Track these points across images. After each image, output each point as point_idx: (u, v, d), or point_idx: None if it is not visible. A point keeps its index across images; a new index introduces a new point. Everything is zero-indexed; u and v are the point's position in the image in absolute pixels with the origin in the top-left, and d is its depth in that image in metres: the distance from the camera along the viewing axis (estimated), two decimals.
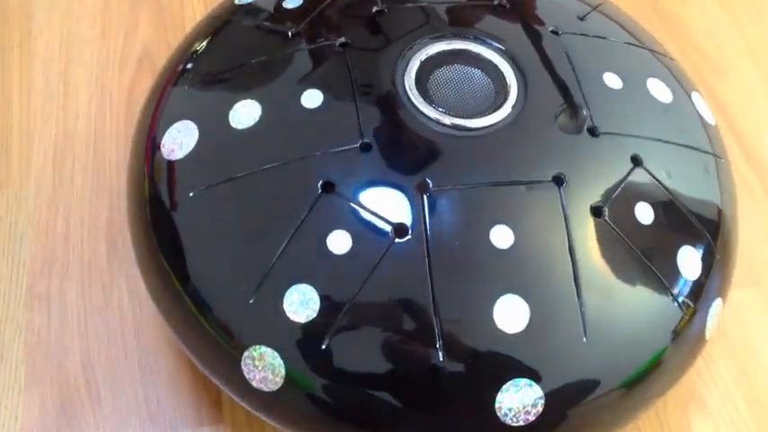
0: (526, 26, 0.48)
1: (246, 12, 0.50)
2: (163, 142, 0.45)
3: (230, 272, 0.42)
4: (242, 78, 0.46)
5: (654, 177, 0.44)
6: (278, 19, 0.49)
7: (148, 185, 0.45)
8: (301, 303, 0.40)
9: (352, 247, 0.40)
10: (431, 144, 0.43)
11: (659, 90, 0.47)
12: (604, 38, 0.49)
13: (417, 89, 0.44)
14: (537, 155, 0.43)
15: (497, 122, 0.44)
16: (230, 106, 0.45)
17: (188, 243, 0.43)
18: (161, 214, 0.44)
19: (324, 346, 0.40)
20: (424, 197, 0.41)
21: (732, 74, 0.72)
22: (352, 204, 0.41)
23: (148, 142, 0.47)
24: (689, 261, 0.44)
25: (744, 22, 0.76)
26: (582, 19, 0.50)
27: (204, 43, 0.49)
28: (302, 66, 0.46)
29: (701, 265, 0.44)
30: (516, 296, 0.40)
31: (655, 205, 0.44)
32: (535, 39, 0.47)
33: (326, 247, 0.40)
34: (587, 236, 0.42)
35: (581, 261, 0.41)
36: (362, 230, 0.41)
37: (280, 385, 0.41)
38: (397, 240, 0.40)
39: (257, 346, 0.41)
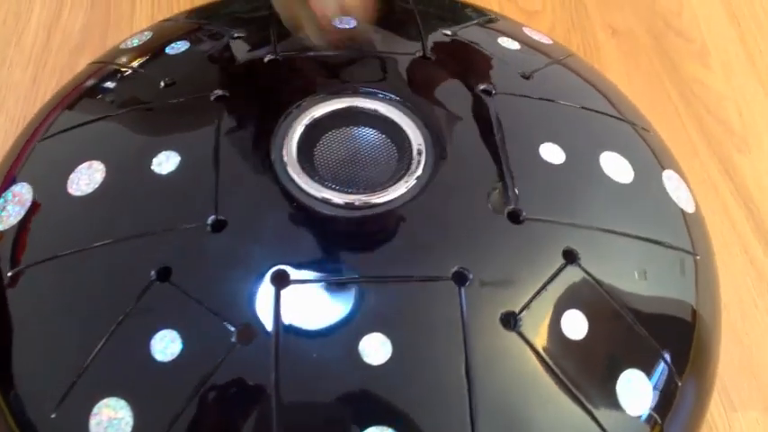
0: (451, 84, 0.39)
1: (128, 57, 0.42)
2: None
3: (39, 378, 0.33)
4: (93, 135, 0.38)
5: (592, 278, 0.34)
6: (156, 66, 0.40)
7: None
8: (110, 423, 0.31)
9: (182, 351, 0.31)
10: (301, 224, 0.34)
11: (616, 167, 0.38)
12: (552, 101, 0.39)
13: (299, 155, 0.36)
14: (438, 243, 0.34)
15: (393, 200, 0.35)
16: (72, 168, 0.36)
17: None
18: None
19: None
20: (281, 292, 0.32)
21: (756, 147, 0.62)
22: (188, 297, 0.32)
23: None
24: (634, 390, 0.33)
25: None
26: (527, 77, 0.40)
27: (74, 92, 0.41)
28: (164, 122, 0.37)
29: (651, 396, 0.34)
30: (388, 429, 0.30)
31: (590, 315, 0.33)
32: (459, 100, 0.38)
33: (149, 350, 0.31)
34: (492, 352, 0.32)
35: (480, 386, 0.31)
36: (197, 331, 0.32)
37: None
38: (239, 346, 0.31)
39: None
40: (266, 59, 0.39)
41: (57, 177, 0.37)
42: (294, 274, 0.32)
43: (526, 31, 0.45)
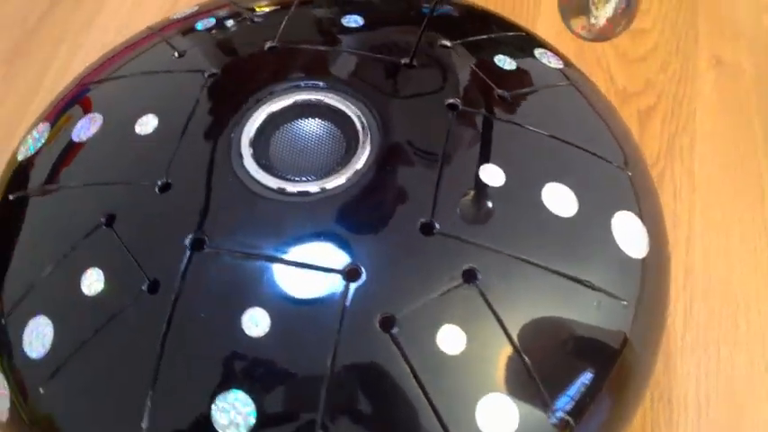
0: (423, 94, 0.41)
1: (170, 27, 0.47)
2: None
3: (6, 288, 0.39)
4: (107, 91, 0.44)
5: (486, 302, 0.35)
6: (182, 39, 0.45)
7: None
8: (37, 335, 0.37)
9: (102, 290, 0.36)
10: (233, 199, 0.38)
11: (559, 199, 0.38)
12: (519, 125, 0.40)
13: (255, 139, 0.39)
14: (345, 237, 0.36)
15: (319, 192, 0.37)
16: (82, 116, 0.42)
17: None
18: None
19: (42, 390, 0.36)
20: (193, 256, 0.36)
21: None
22: (121, 243, 0.37)
23: None
24: (495, 413, 0.34)
25: None
26: (504, 98, 0.41)
27: (123, 51, 0.47)
28: (160, 89, 0.42)
29: (517, 423, 0.35)
30: (243, 394, 0.34)
31: (472, 335, 0.35)
32: (423, 110, 0.40)
33: (80, 283, 0.37)
34: (362, 349, 0.35)
35: (341, 377, 0.34)
36: (118, 275, 0.37)
37: (7, 416, 0.38)
38: (146, 295, 0.36)
39: None
40: (267, 46, 0.43)
41: (71, 122, 0.43)
42: (210, 242, 0.36)
43: (538, 52, 0.46)
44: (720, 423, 0.49)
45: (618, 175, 0.41)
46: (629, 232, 0.39)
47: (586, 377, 0.37)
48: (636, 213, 0.40)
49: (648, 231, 0.40)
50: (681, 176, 0.58)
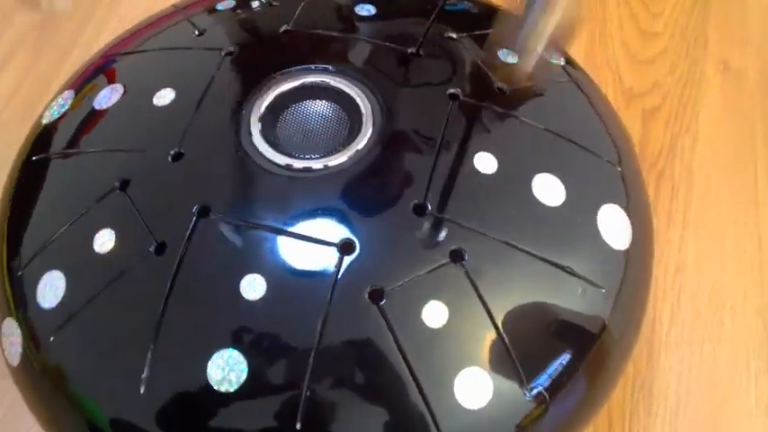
0: (426, 83, 0.43)
1: (192, 7, 0.50)
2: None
3: (24, 243, 0.42)
4: (130, 63, 0.46)
5: (471, 281, 0.38)
6: (203, 19, 0.48)
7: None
8: (51, 287, 0.39)
9: (113, 249, 0.39)
10: (239, 172, 0.40)
11: (548, 189, 0.40)
12: (515, 117, 0.42)
13: (265, 116, 0.42)
14: (342, 213, 0.39)
15: (321, 169, 0.40)
16: (105, 85, 0.45)
17: None
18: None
19: (51, 339, 0.39)
20: (199, 222, 0.38)
21: None
22: (134, 207, 0.40)
23: None
24: (472, 385, 0.37)
25: None
26: (504, 91, 0.43)
27: (148, 26, 0.50)
28: (179, 64, 0.45)
29: (491, 394, 0.37)
30: (237, 353, 0.36)
31: (454, 311, 0.37)
32: (425, 97, 0.42)
33: (92, 242, 0.39)
34: (351, 317, 0.37)
35: (329, 341, 0.36)
36: (128, 236, 0.39)
37: (18, 362, 0.40)
38: (154, 256, 0.38)
39: (8, 319, 0.41)
40: (282, 29, 0.45)
41: (95, 91, 0.45)
42: (215, 210, 0.39)
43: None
44: (700, 414, 0.51)
45: (609, 171, 0.43)
46: (614, 224, 0.41)
47: (564, 358, 0.39)
48: (623, 207, 0.42)
49: (633, 225, 0.42)
50: (680, 176, 0.60)
